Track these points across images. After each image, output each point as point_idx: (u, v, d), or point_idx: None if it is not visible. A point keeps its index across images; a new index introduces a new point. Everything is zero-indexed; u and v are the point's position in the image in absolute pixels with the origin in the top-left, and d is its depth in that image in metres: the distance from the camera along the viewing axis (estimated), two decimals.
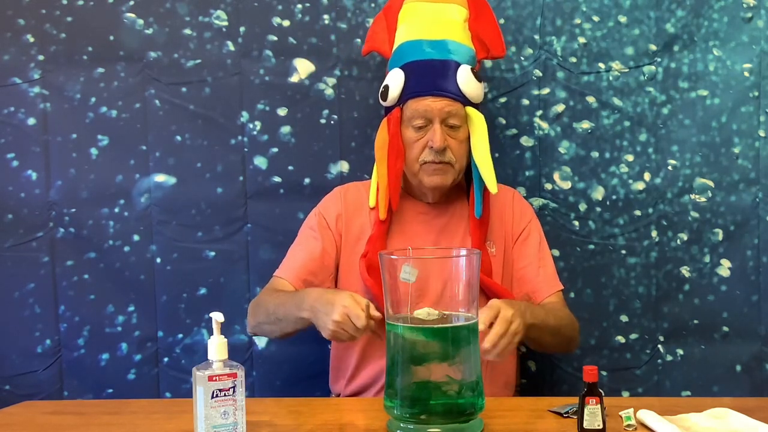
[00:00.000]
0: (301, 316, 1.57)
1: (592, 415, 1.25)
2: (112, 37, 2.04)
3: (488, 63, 2.03)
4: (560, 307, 1.75)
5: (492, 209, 1.77)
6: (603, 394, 1.25)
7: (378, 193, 1.74)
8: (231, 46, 2.05)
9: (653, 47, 2.02)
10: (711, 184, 2.02)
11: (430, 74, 1.68)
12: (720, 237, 2.02)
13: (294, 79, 2.05)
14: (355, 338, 1.48)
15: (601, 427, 1.25)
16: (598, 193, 2.04)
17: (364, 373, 1.74)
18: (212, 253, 2.06)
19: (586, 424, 1.25)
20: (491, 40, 1.78)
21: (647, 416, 1.30)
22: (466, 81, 1.68)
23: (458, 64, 1.69)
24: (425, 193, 1.77)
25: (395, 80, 1.71)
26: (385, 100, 1.74)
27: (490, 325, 1.41)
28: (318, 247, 1.75)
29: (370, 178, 1.87)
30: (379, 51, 1.84)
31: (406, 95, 1.70)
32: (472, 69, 1.70)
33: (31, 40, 2.04)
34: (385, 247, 1.71)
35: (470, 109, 1.70)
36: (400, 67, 1.71)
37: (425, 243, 1.74)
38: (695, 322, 2.04)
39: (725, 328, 2.04)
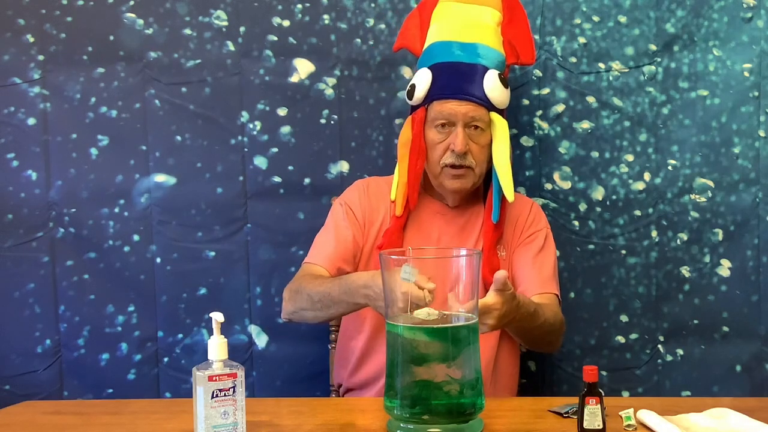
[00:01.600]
0: (356, 302, 1.57)
1: (592, 415, 1.25)
2: (112, 37, 2.04)
3: None
4: (547, 304, 1.68)
5: (509, 216, 1.77)
6: (603, 394, 1.25)
7: (398, 189, 1.75)
8: (231, 46, 2.05)
9: (653, 47, 2.02)
10: (711, 184, 2.03)
11: (456, 77, 1.69)
12: (720, 237, 2.02)
13: (294, 79, 2.05)
14: None
15: (601, 427, 1.25)
16: (598, 193, 2.04)
17: (369, 367, 1.74)
18: (212, 253, 2.06)
19: (586, 424, 1.25)
20: (522, 46, 1.78)
21: (647, 416, 1.30)
22: (493, 86, 1.68)
23: (486, 69, 1.69)
24: (445, 195, 1.78)
25: (422, 80, 1.71)
26: (411, 99, 1.74)
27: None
28: (349, 236, 1.76)
29: (371, 177, 1.88)
30: (410, 48, 1.83)
31: (431, 96, 1.71)
32: (500, 74, 1.70)
33: (31, 40, 2.04)
34: (401, 241, 1.73)
35: (494, 115, 1.70)
36: (429, 67, 1.72)
37: (440, 242, 1.75)
38: (695, 322, 2.04)
39: (725, 328, 2.04)
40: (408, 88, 1.75)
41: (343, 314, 1.69)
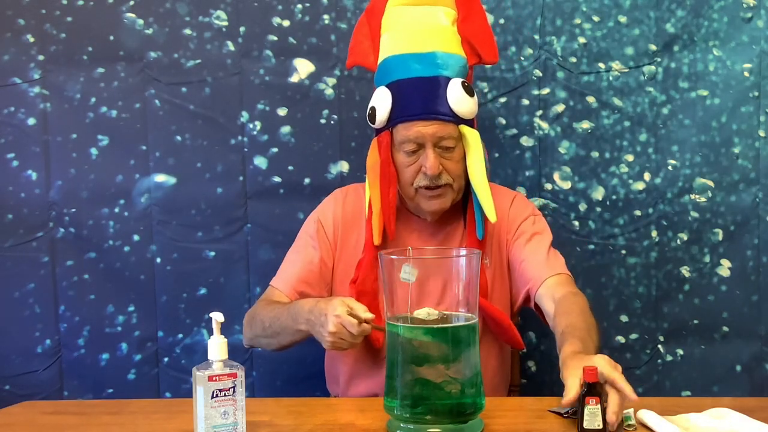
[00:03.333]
0: (298, 329, 1.54)
1: (592, 415, 1.25)
2: (112, 37, 2.04)
3: None
4: (574, 302, 1.56)
5: (488, 222, 1.68)
6: (603, 395, 1.25)
7: (371, 215, 1.65)
8: (231, 46, 2.05)
9: (653, 47, 2.02)
10: (711, 184, 2.03)
11: (418, 95, 1.59)
12: (720, 237, 2.02)
13: (294, 79, 2.05)
14: (356, 345, 1.47)
15: (600, 427, 1.25)
16: (598, 193, 2.04)
17: (359, 388, 1.70)
18: (212, 253, 2.06)
19: (586, 425, 1.25)
20: (482, 44, 1.67)
21: (647, 416, 1.30)
22: (458, 99, 1.58)
23: (448, 80, 1.59)
24: (423, 215, 1.70)
25: (382, 102, 1.62)
26: (373, 122, 1.65)
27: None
28: (316, 257, 1.70)
29: (351, 185, 1.85)
30: (363, 64, 1.73)
31: (394, 119, 1.61)
32: (463, 83, 1.60)
33: (31, 40, 2.04)
34: (375, 273, 1.62)
35: (464, 128, 1.61)
36: (387, 86, 1.62)
37: None
38: (695, 322, 2.04)
39: (725, 328, 2.04)
40: (368, 111, 1.65)
41: (291, 342, 1.61)
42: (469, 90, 1.60)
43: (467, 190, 1.68)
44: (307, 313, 1.50)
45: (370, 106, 1.66)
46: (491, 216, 1.60)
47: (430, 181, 1.61)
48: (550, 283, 1.62)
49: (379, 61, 1.67)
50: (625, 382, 1.25)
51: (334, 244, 1.72)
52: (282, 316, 1.59)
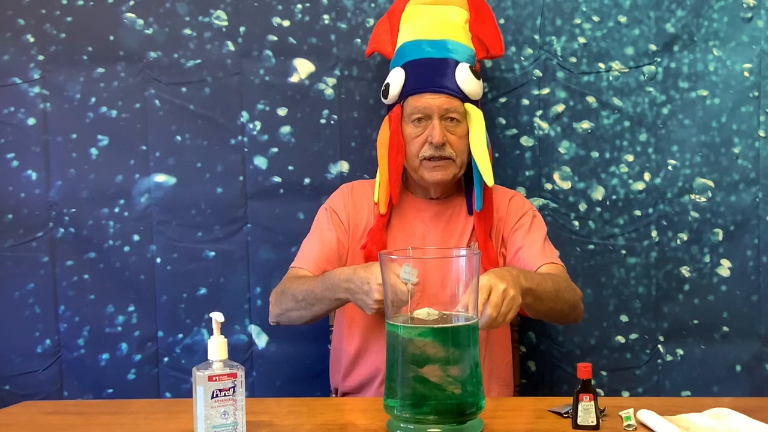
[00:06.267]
0: (337, 297, 1.59)
1: (586, 411, 1.26)
2: (112, 37, 2.04)
3: (488, 63, 2.03)
4: (557, 273, 1.69)
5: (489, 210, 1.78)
6: (597, 392, 1.26)
7: (380, 189, 1.77)
8: (231, 46, 2.05)
9: (653, 47, 2.02)
10: (711, 184, 2.03)
11: (429, 72, 1.72)
12: (720, 237, 2.03)
13: (294, 79, 2.05)
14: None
15: (594, 423, 1.25)
16: (598, 193, 2.04)
17: (361, 369, 1.75)
18: (212, 253, 2.06)
19: (579, 421, 1.26)
20: (490, 40, 1.83)
21: (647, 416, 1.30)
22: (465, 78, 1.71)
23: (457, 62, 1.72)
24: (427, 188, 1.79)
25: (396, 78, 1.75)
26: (386, 97, 1.78)
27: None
28: (333, 238, 1.78)
29: (371, 177, 1.88)
30: (382, 52, 1.88)
31: (406, 92, 1.74)
32: (471, 67, 1.73)
33: (31, 40, 2.04)
34: (384, 239, 1.74)
35: (469, 106, 1.73)
36: (401, 66, 1.76)
37: (424, 239, 1.76)
38: (695, 322, 2.04)
39: (725, 328, 2.04)
40: (383, 87, 1.79)
41: (327, 311, 1.68)
42: (476, 73, 1.73)
43: (469, 173, 1.76)
44: (345, 282, 1.55)
45: (384, 83, 1.79)
46: (489, 180, 1.70)
47: (434, 150, 1.70)
48: (543, 270, 1.70)
49: (396, 47, 1.81)
50: (494, 307, 1.38)
51: (347, 227, 1.80)
52: (316, 289, 1.63)
